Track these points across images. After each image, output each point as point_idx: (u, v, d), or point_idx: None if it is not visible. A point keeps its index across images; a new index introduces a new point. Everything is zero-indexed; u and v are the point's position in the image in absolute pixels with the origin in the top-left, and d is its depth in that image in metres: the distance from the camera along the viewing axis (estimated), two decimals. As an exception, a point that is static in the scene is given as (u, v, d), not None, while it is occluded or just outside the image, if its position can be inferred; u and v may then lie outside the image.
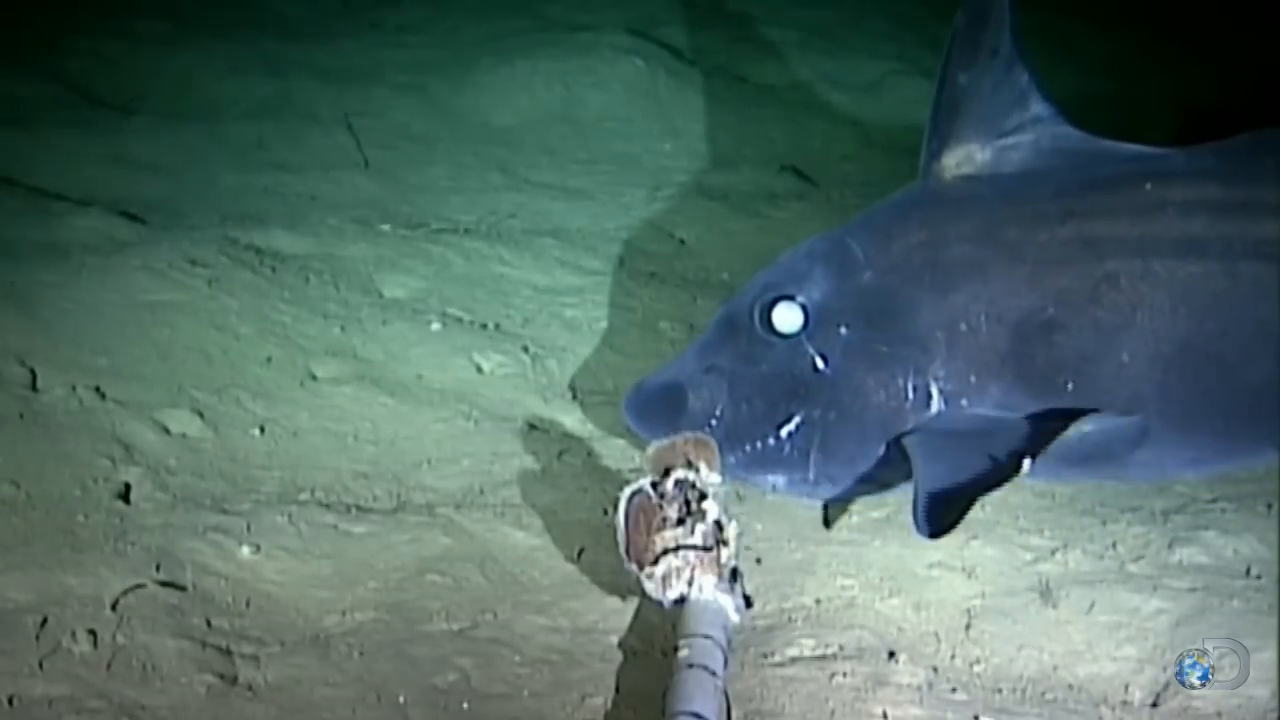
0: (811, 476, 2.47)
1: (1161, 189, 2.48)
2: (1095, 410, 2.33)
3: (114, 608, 2.07)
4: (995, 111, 2.57)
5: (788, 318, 2.48)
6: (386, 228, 3.62)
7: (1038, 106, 2.59)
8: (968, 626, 2.20)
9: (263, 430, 2.71)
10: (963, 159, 2.56)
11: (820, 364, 2.46)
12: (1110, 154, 2.59)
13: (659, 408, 2.53)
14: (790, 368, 2.47)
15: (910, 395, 2.42)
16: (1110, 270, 2.42)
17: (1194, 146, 2.61)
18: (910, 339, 2.42)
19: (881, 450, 2.44)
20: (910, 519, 2.16)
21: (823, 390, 2.45)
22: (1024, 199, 2.50)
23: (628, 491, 2.11)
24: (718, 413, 2.48)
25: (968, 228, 2.49)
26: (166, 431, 2.66)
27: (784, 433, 2.46)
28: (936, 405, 2.43)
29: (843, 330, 2.47)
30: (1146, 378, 2.40)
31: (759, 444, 2.47)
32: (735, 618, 2.05)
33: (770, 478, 2.49)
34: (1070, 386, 2.41)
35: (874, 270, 2.49)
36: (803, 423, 2.46)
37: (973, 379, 2.42)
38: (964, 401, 2.41)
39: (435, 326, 3.13)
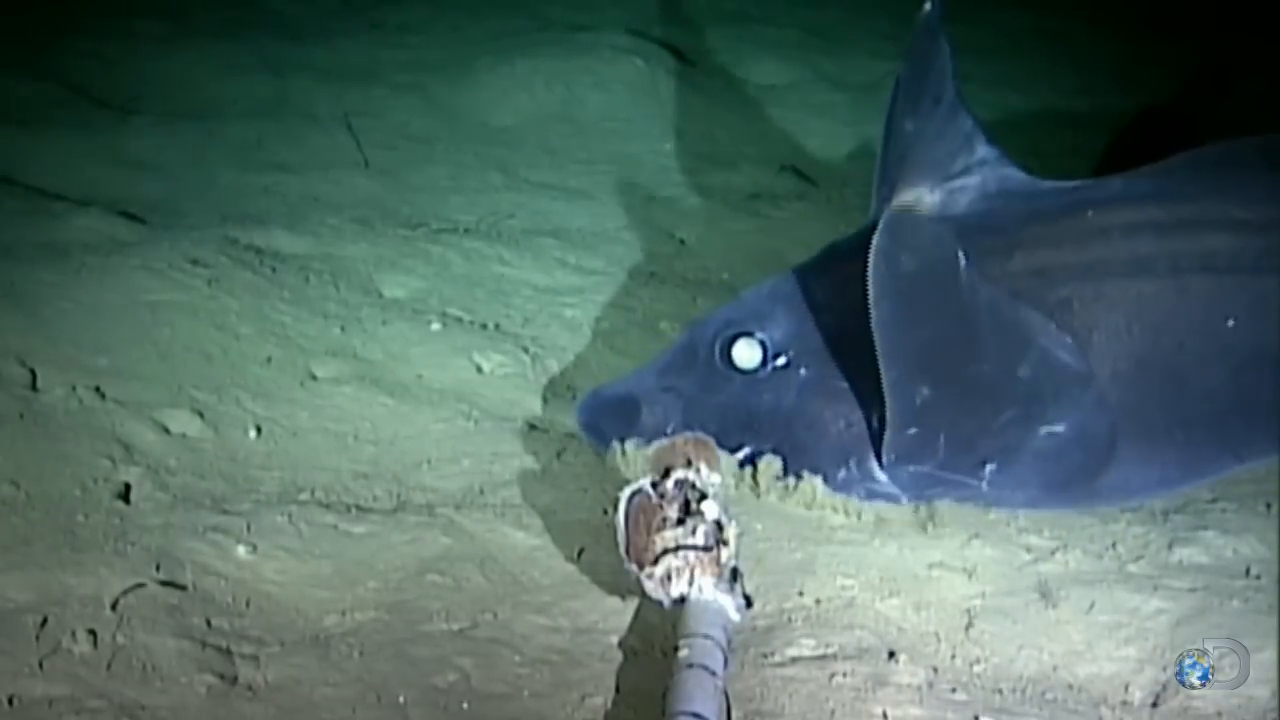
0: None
1: (1104, 214, 2.53)
2: None
3: (114, 608, 2.07)
4: (941, 156, 2.64)
5: (747, 354, 2.53)
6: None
7: (982, 150, 2.66)
8: (968, 626, 2.20)
9: (262, 430, 2.71)
10: (913, 202, 2.62)
11: (776, 401, 2.51)
12: (1053, 190, 2.66)
13: (611, 416, 2.57)
14: (746, 402, 2.52)
15: (870, 430, 2.45)
16: (1063, 296, 2.45)
17: (1130, 171, 2.67)
18: (872, 376, 2.42)
19: (837, 473, 2.48)
20: None
21: (777, 426, 2.50)
22: (972, 236, 2.53)
23: (628, 491, 2.11)
24: (669, 431, 2.50)
25: None
26: (166, 431, 2.66)
27: (731, 461, 2.49)
28: None
29: (801, 371, 2.52)
30: (1107, 398, 2.42)
31: None
32: (735, 618, 2.05)
33: None
34: None
35: (832, 312, 2.53)
36: (752, 455, 2.49)
37: None
38: None
39: (435, 326, 3.13)
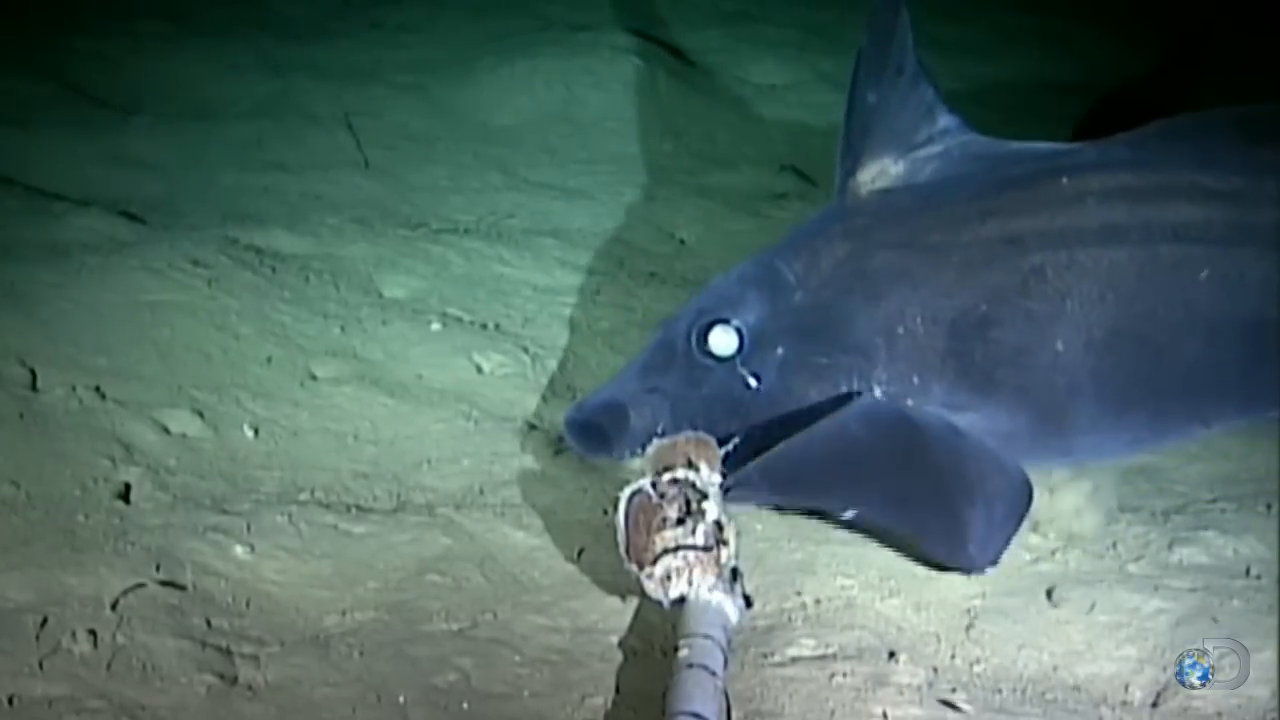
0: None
1: (1078, 181, 2.52)
2: None
3: (114, 608, 2.07)
4: (905, 126, 2.63)
5: (723, 341, 2.50)
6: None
7: (944, 119, 2.66)
8: (968, 626, 2.20)
9: (262, 430, 2.70)
10: (877, 173, 2.62)
11: (759, 384, 2.49)
12: (1022, 154, 2.65)
13: (602, 426, 2.54)
14: (730, 390, 2.51)
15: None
16: (1036, 263, 2.46)
17: (1104, 139, 2.65)
18: (850, 349, 2.44)
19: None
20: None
21: (763, 409, 2.49)
22: (942, 203, 2.54)
23: (628, 491, 2.11)
24: (659, 432, 2.48)
25: (890, 236, 2.52)
26: (166, 431, 2.66)
27: (723, 452, 2.48)
28: None
29: (779, 350, 2.50)
30: (1081, 365, 2.44)
31: None
32: (735, 618, 2.05)
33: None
34: (1009, 379, 2.44)
35: (804, 289, 2.52)
36: (743, 441, 2.48)
37: (916, 380, 2.45)
38: (910, 403, 2.44)
39: (435, 326, 3.12)
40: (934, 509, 2.30)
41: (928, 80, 2.66)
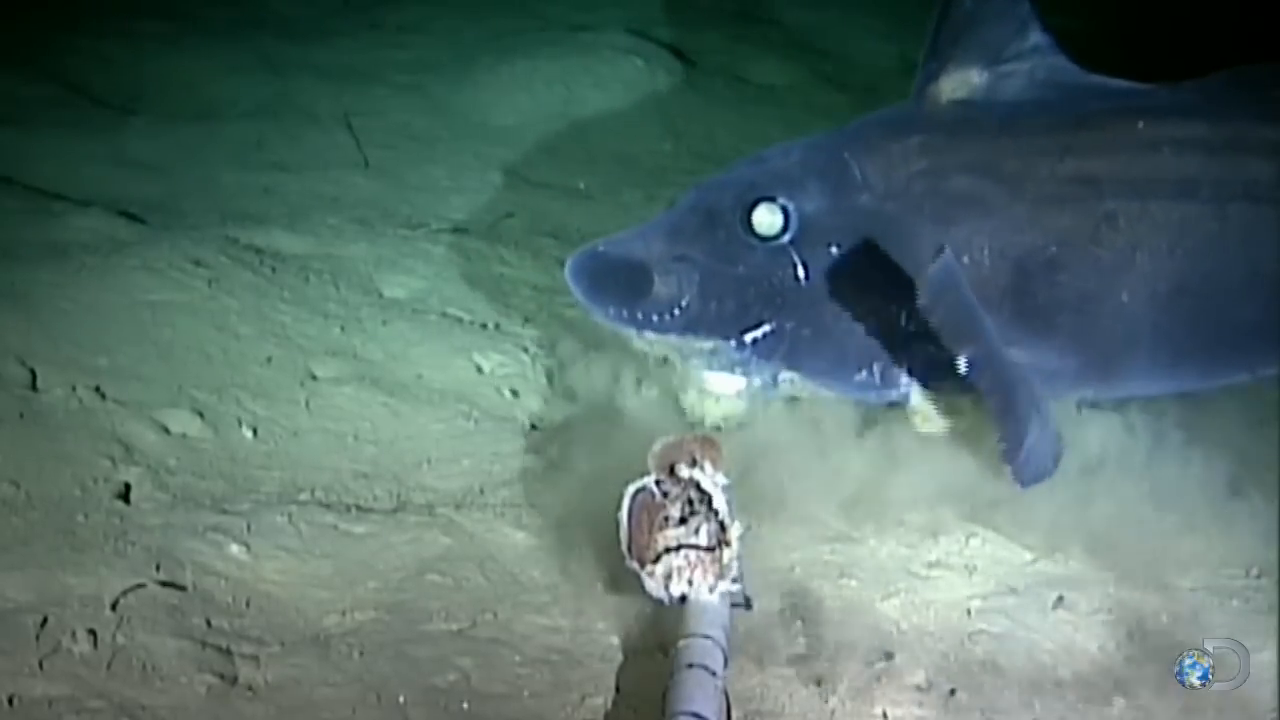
0: (772, 382, 2.48)
1: (1154, 127, 2.51)
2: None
3: (114, 608, 2.07)
4: (996, 38, 2.59)
5: (768, 220, 2.42)
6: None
7: (1036, 36, 2.61)
8: (968, 626, 2.20)
9: (262, 430, 2.70)
10: (959, 83, 2.58)
11: (803, 276, 2.41)
12: (1100, 88, 2.62)
13: (618, 284, 2.46)
14: (770, 274, 2.42)
15: (899, 324, 2.42)
16: (1110, 210, 2.45)
17: (1177, 83, 2.64)
18: (909, 268, 2.39)
19: (854, 371, 2.45)
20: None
21: (802, 303, 2.42)
22: (1023, 131, 2.51)
23: (631, 489, 2.11)
24: (683, 304, 2.42)
25: (968, 158, 2.48)
26: (166, 431, 2.65)
27: (750, 338, 2.43)
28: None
29: (833, 249, 2.43)
30: (1143, 316, 2.44)
31: (722, 343, 2.44)
32: (734, 617, 2.05)
33: (727, 375, 2.48)
34: (1068, 324, 2.44)
35: (872, 192, 2.46)
36: (772, 332, 2.42)
37: None
38: None
39: (435, 327, 3.12)
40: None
41: None
